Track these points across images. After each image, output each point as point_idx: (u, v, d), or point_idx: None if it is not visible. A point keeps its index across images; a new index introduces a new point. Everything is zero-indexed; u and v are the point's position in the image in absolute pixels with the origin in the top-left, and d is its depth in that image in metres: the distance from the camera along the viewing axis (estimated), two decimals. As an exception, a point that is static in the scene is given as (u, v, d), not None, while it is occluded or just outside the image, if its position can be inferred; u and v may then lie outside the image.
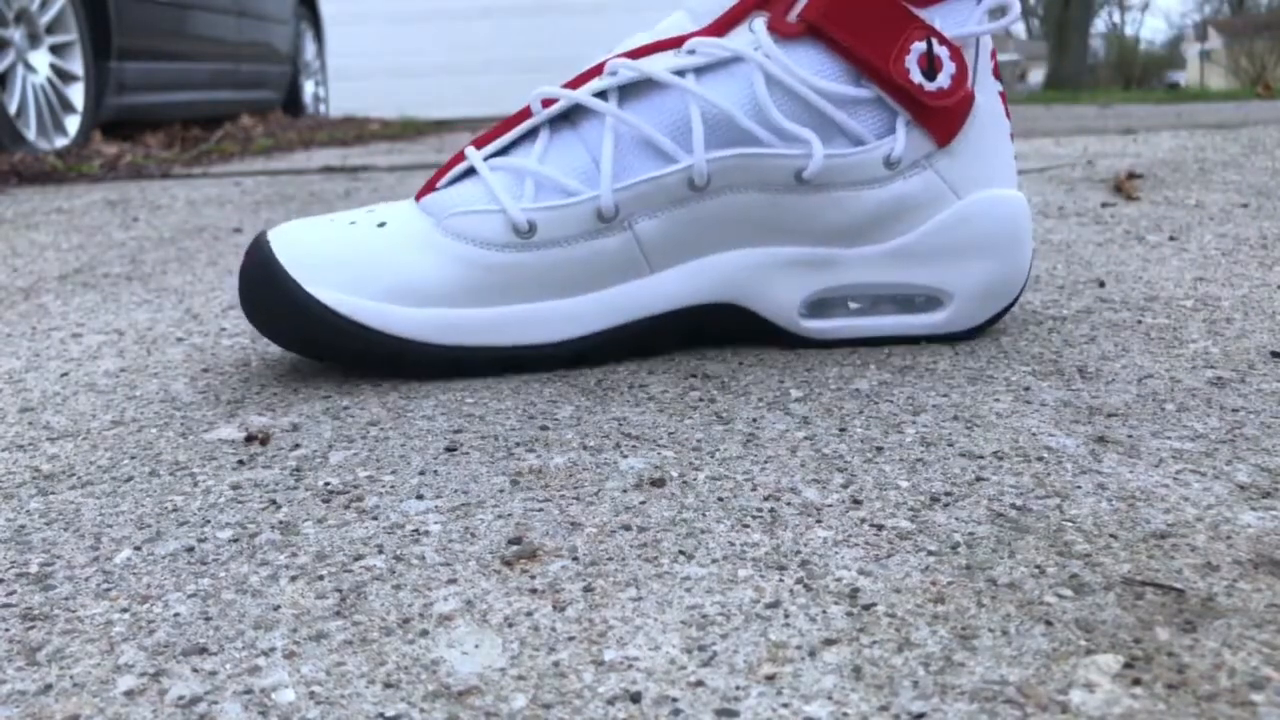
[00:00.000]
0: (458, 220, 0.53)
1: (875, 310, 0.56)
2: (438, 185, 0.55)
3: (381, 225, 0.54)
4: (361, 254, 0.53)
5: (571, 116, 0.54)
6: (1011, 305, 0.57)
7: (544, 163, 0.53)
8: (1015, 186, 0.57)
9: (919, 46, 0.52)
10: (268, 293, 0.52)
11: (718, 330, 0.57)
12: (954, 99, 0.53)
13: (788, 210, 0.54)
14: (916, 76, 0.52)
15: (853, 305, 0.56)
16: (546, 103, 0.54)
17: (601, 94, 0.54)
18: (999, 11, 0.54)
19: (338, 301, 0.51)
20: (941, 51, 0.52)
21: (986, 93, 0.55)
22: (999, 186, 0.56)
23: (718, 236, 0.54)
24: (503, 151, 0.55)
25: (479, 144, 0.55)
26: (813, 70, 0.52)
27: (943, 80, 0.53)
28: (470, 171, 0.55)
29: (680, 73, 0.53)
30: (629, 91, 0.54)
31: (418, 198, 0.55)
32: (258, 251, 0.53)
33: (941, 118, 0.53)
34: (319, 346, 0.53)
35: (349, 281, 0.52)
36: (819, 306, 0.56)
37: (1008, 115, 0.57)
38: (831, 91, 0.52)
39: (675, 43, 0.54)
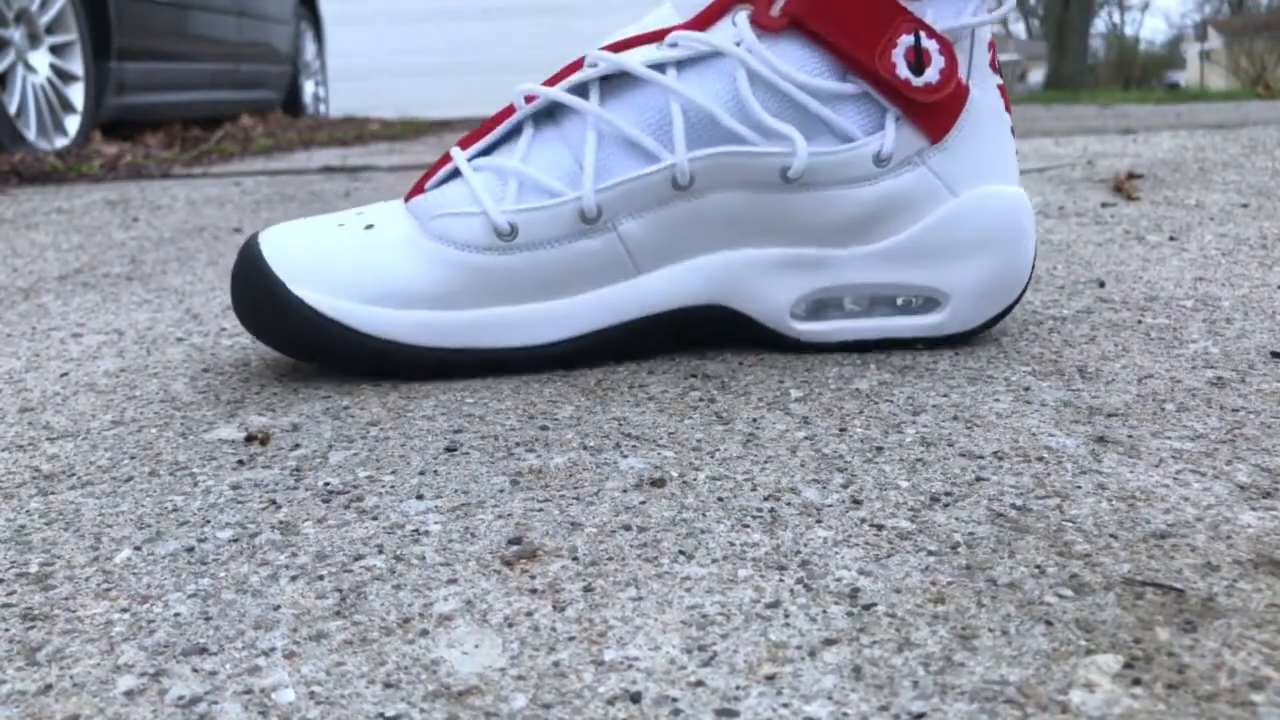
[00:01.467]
0: (441, 222, 0.53)
1: (871, 312, 0.55)
2: (425, 187, 0.55)
3: (369, 227, 0.54)
4: (348, 256, 0.53)
5: (554, 114, 0.54)
6: (1013, 306, 0.56)
7: (527, 162, 0.53)
8: (1015, 183, 0.56)
9: (906, 40, 0.51)
10: (257, 294, 0.53)
11: (709, 332, 0.56)
12: (943, 94, 0.52)
13: (775, 210, 0.53)
14: (903, 71, 0.51)
15: (849, 307, 0.55)
16: (530, 99, 0.54)
17: (583, 88, 0.53)
18: (995, 3, 0.54)
19: (323, 303, 0.52)
20: (930, 45, 0.51)
21: (983, 87, 0.54)
22: (998, 183, 0.54)
23: (705, 237, 0.53)
24: (488, 151, 0.55)
25: (464, 144, 0.55)
26: (796, 65, 0.51)
27: (931, 75, 0.51)
28: (456, 172, 0.55)
29: (660, 67, 0.52)
30: (611, 87, 0.53)
31: (406, 199, 0.55)
32: (248, 252, 0.54)
33: (933, 113, 0.52)
34: (306, 348, 0.53)
35: (335, 284, 0.52)
36: (814, 308, 0.55)
37: (1008, 110, 0.56)
38: (816, 87, 0.51)
39: (658, 35, 0.53)
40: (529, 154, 0.53)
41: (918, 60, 0.51)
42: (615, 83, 0.53)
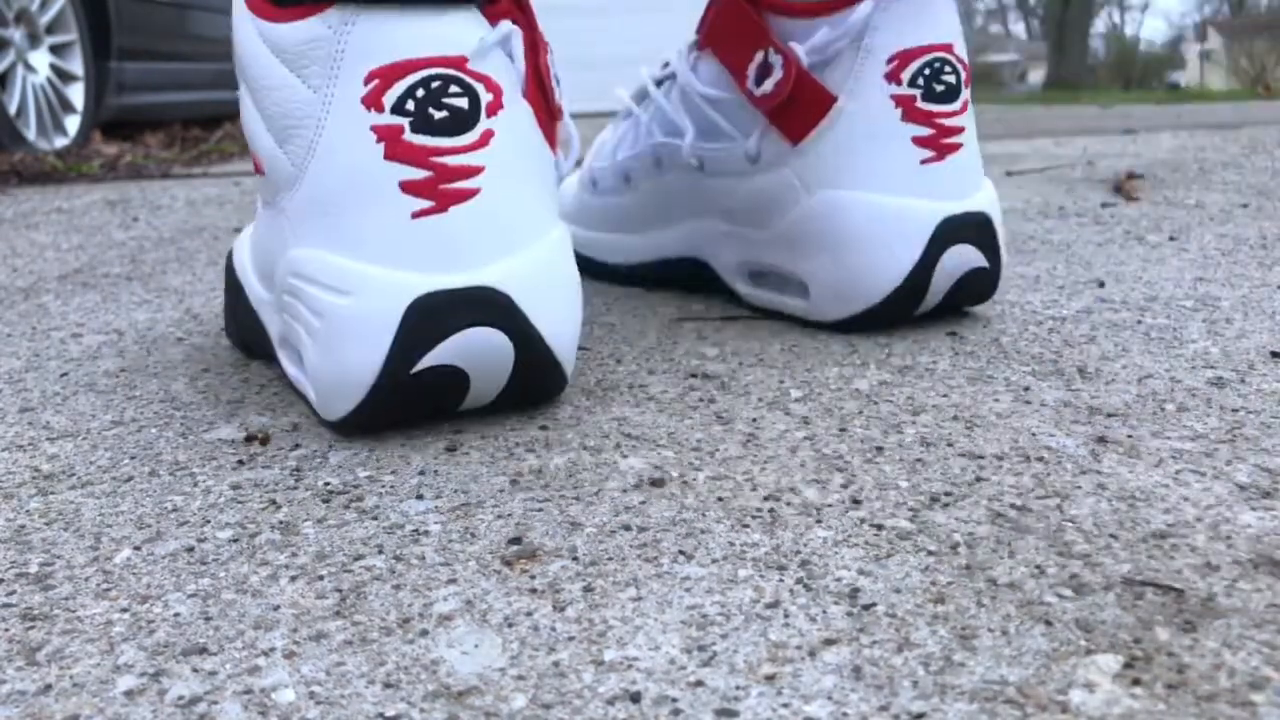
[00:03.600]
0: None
1: (781, 288, 0.63)
2: None
3: None
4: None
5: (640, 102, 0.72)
6: (882, 312, 0.57)
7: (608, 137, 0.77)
8: (899, 192, 0.56)
9: (759, 56, 0.59)
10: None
11: (702, 279, 0.69)
12: (775, 102, 0.58)
13: (701, 190, 0.66)
14: (751, 83, 0.59)
15: (771, 279, 0.63)
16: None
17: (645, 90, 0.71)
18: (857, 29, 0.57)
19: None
20: (775, 60, 0.58)
21: (861, 98, 0.56)
22: (861, 189, 0.56)
23: (683, 205, 0.68)
24: None
25: None
26: (709, 80, 0.63)
27: (767, 85, 0.58)
28: None
29: (659, 81, 0.69)
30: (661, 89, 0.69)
31: None
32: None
33: (791, 118, 0.58)
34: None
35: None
36: (753, 276, 0.65)
37: (915, 120, 0.56)
38: (710, 95, 0.63)
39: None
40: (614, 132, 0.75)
41: (763, 73, 0.59)
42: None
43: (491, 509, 0.38)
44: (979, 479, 0.39)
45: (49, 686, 0.28)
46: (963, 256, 0.57)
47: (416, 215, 0.42)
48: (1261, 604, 0.29)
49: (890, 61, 0.56)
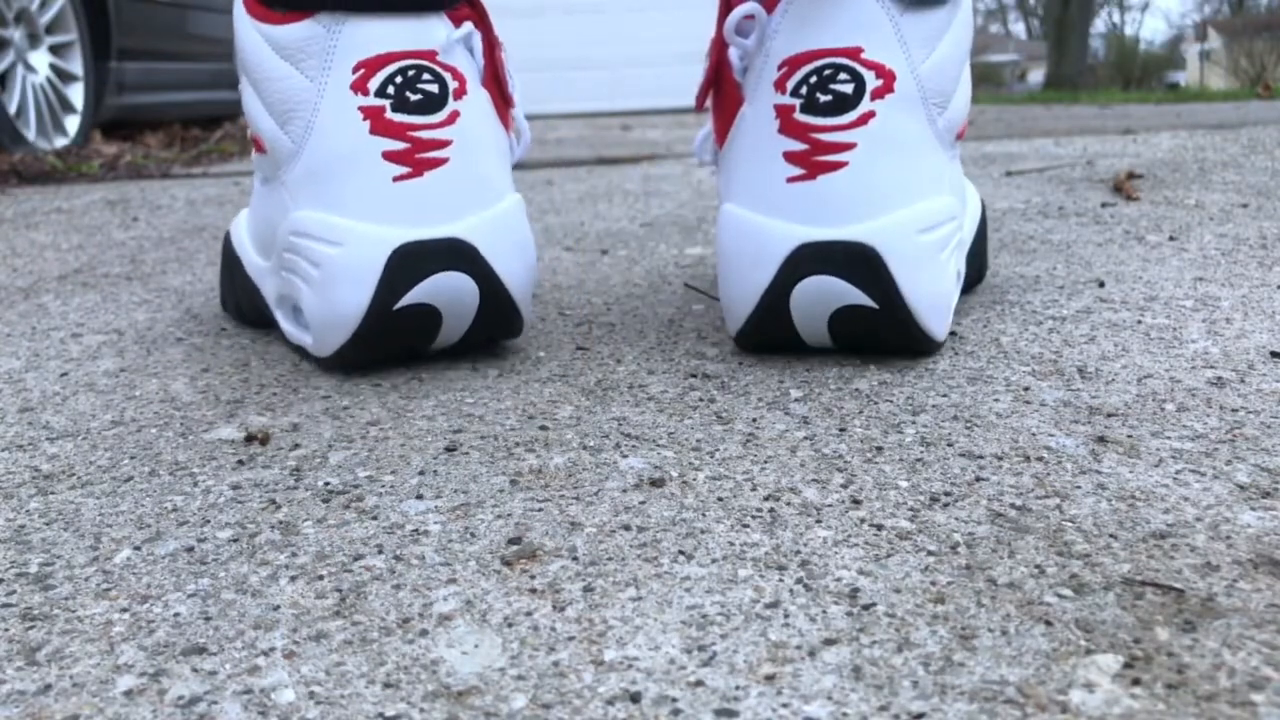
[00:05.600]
0: None
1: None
2: None
3: None
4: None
5: None
6: (753, 335, 0.54)
7: None
8: (762, 209, 0.51)
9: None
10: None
11: None
12: (700, 98, 0.57)
13: None
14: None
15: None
16: None
17: None
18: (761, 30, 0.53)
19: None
20: (708, 55, 0.56)
21: (756, 104, 0.52)
22: (737, 202, 0.53)
23: None
24: None
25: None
26: None
27: (699, 89, 0.57)
28: None
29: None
30: None
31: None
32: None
33: (717, 120, 0.57)
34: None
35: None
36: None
37: (789, 133, 0.51)
38: None
39: None
40: None
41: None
42: None
43: (491, 509, 0.38)
44: (979, 479, 0.39)
45: (49, 686, 0.28)
46: (824, 290, 0.50)
47: (397, 180, 0.51)
48: (1261, 604, 0.29)
49: (780, 68, 0.51)
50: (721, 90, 0.56)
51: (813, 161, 0.50)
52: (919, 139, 0.52)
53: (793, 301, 0.51)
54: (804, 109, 0.50)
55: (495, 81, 0.55)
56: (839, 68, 0.50)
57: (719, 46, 0.55)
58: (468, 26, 0.53)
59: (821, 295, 0.50)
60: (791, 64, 0.51)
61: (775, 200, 0.51)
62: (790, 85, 0.51)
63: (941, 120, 0.53)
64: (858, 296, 0.50)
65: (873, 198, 0.50)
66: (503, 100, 0.56)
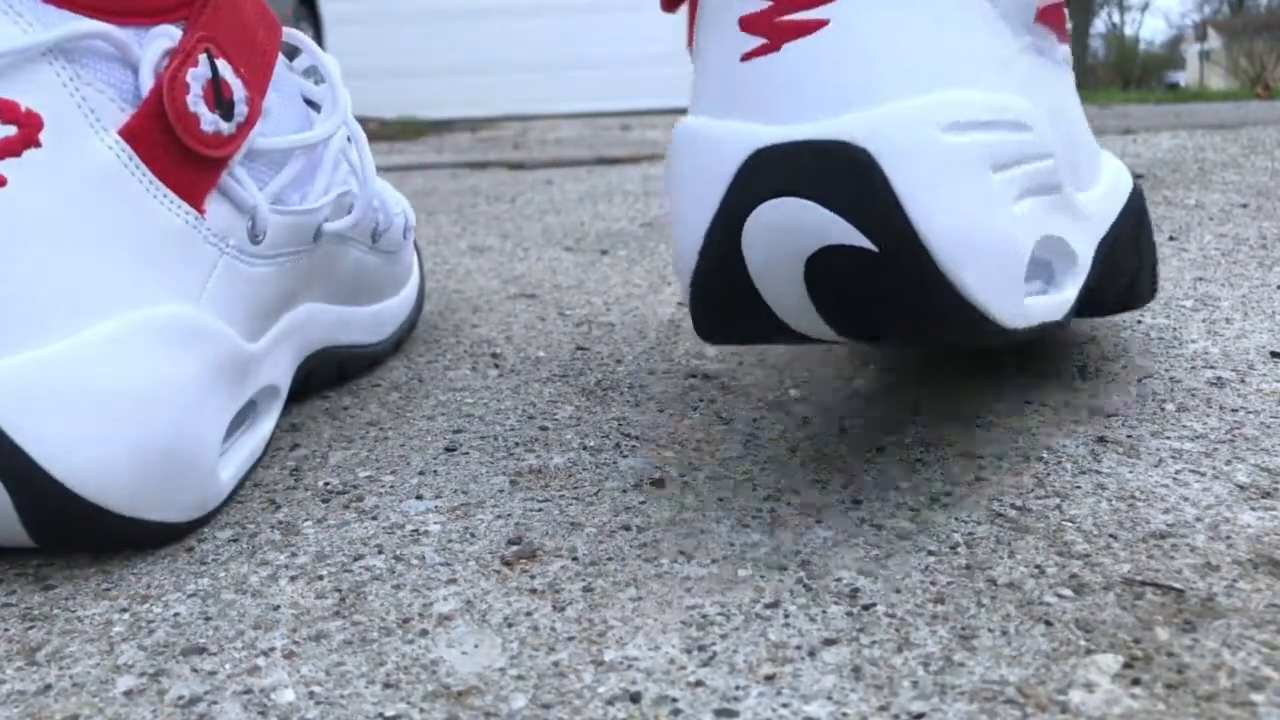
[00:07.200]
0: None
1: None
2: None
3: None
4: None
5: None
6: (703, 303, 0.35)
7: None
8: (713, 108, 0.34)
9: None
10: None
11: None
12: None
13: None
14: None
15: None
16: None
17: None
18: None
19: None
20: None
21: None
22: (691, 106, 0.37)
23: None
24: None
25: None
26: None
27: None
28: None
29: None
30: None
31: None
32: None
33: (689, 6, 0.41)
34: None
35: None
36: None
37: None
38: None
39: None
40: None
41: None
42: None
43: (491, 509, 0.38)
44: (979, 479, 0.39)
45: (48, 686, 0.28)
46: (790, 220, 0.30)
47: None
48: (1261, 604, 0.29)
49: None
50: None
51: (776, 24, 0.32)
52: (963, 4, 0.33)
53: (745, 242, 0.31)
54: None
55: (180, 120, 0.36)
56: None
57: None
58: (83, 24, 0.34)
59: (786, 229, 0.30)
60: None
61: (728, 91, 0.33)
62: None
63: None
64: (843, 231, 0.30)
65: (869, 73, 0.31)
66: (185, 156, 0.36)
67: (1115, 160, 0.49)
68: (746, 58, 0.33)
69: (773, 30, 0.32)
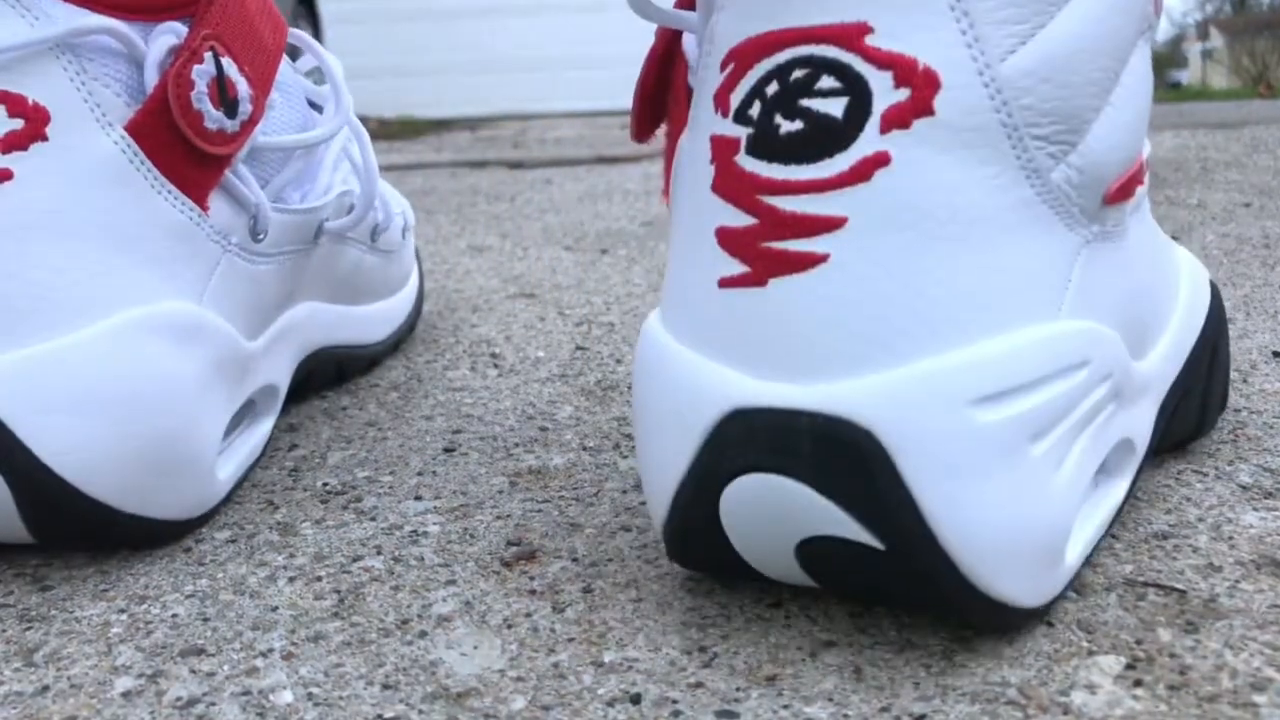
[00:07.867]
0: None
1: None
2: None
3: None
4: None
5: None
6: (674, 547, 0.30)
7: None
8: (690, 334, 0.28)
9: None
10: None
11: None
12: (640, 125, 0.37)
13: None
14: None
15: None
16: None
17: None
18: None
19: None
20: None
21: (694, 132, 0.29)
22: (665, 310, 0.30)
23: None
24: None
25: None
26: None
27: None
28: None
29: None
30: None
31: None
32: None
33: (666, 154, 0.36)
34: None
35: None
36: None
37: (725, 192, 0.26)
38: None
39: None
40: None
41: None
42: None
43: (490, 510, 0.38)
44: (980, 479, 0.39)
45: (47, 687, 0.27)
46: (775, 501, 0.26)
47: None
48: (1264, 605, 0.29)
49: (725, 66, 0.27)
50: (671, 100, 0.33)
51: (761, 251, 0.26)
52: (998, 208, 0.26)
53: (724, 512, 0.27)
54: (752, 146, 0.26)
55: (184, 117, 0.35)
56: (819, 65, 0.25)
57: (663, 35, 0.33)
58: (90, 19, 0.33)
59: (774, 509, 0.26)
60: (739, 59, 0.27)
61: (702, 316, 0.27)
62: (735, 100, 0.27)
63: (1065, 168, 0.27)
64: (842, 523, 0.26)
65: (881, 325, 0.25)
66: (189, 153, 0.36)
67: (1189, 261, 0.39)
68: (725, 284, 0.27)
69: (757, 258, 0.26)
